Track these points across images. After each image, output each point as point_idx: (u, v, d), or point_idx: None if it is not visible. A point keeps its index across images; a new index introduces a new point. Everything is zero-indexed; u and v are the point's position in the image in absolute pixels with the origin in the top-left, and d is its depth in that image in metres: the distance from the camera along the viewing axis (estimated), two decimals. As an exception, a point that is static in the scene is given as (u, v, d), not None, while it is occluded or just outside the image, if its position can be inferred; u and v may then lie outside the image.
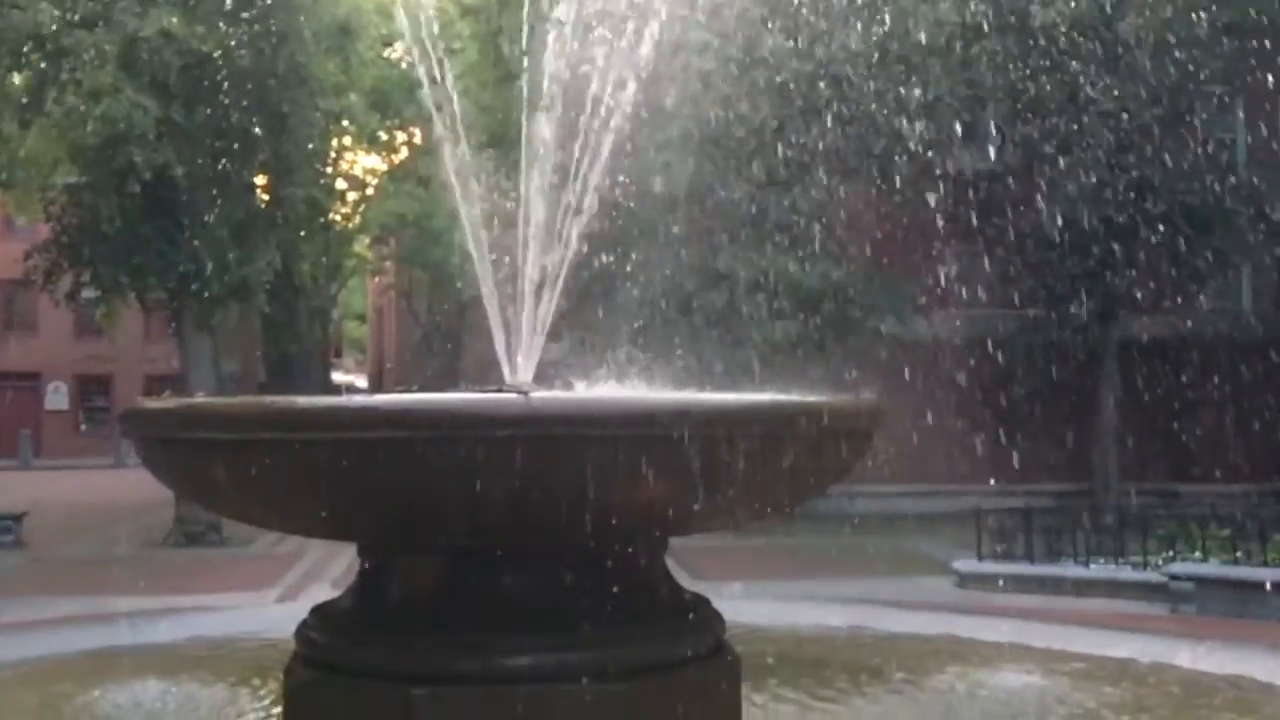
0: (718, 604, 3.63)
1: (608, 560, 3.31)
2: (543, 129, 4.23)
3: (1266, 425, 21.35)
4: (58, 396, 44.52)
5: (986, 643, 5.83)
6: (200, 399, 5.46)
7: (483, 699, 3.17)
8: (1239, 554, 11.48)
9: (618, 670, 3.22)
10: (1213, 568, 11.22)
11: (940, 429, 21.10)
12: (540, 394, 3.33)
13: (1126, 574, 11.95)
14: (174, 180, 16.48)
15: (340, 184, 25.71)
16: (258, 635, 6.14)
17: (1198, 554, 11.77)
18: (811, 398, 3.46)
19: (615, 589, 3.28)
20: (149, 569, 14.28)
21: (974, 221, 20.07)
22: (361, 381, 52.78)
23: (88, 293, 19.53)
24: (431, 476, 2.92)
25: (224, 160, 16.72)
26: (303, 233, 18.82)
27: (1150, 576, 11.61)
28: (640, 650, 3.28)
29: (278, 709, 4.06)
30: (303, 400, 3.26)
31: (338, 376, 52.06)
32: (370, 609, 3.47)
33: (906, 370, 18.85)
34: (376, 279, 47.73)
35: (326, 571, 13.44)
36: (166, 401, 3.81)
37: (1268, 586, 10.05)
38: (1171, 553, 12.14)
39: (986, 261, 21.18)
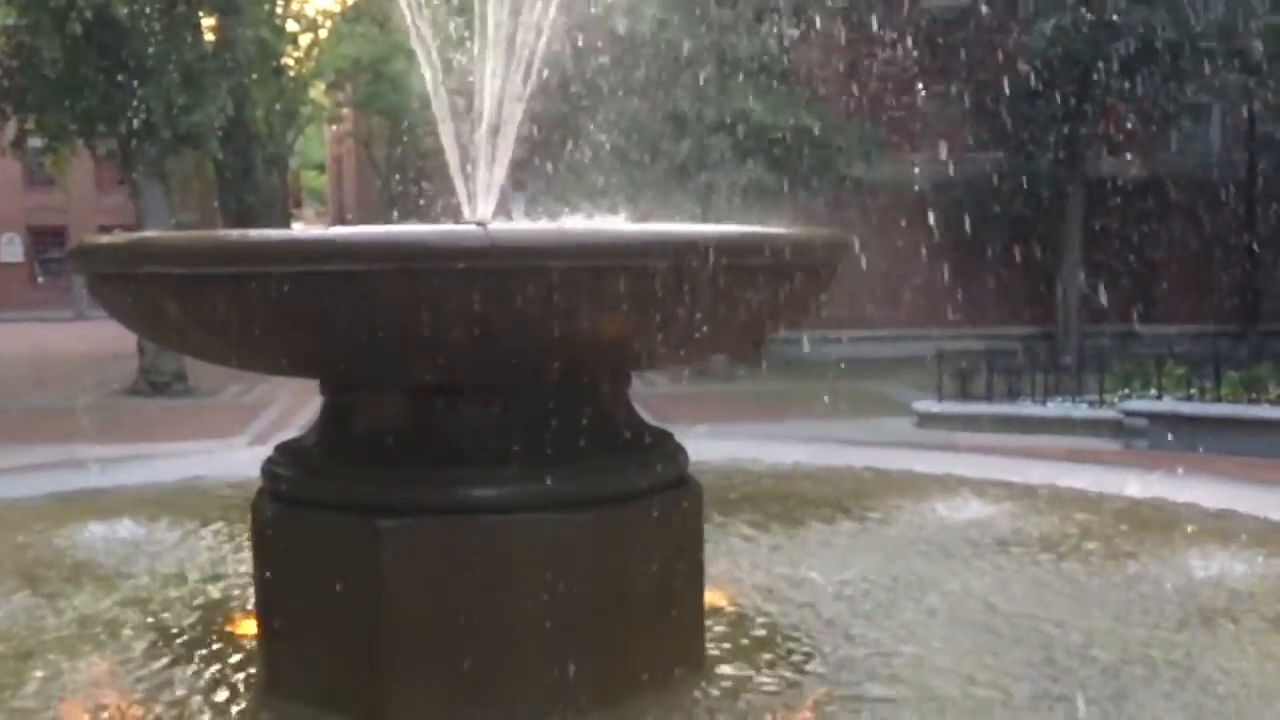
0: (682, 443, 3.67)
1: (570, 393, 3.32)
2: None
3: (1229, 266, 21.60)
4: (11, 249, 43.70)
5: (940, 475, 6.00)
6: (151, 233, 5.33)
7: (448, 529, 3.22)
8: (1193, 391, 11.74)
9: (580, 500, 3.26)
10: (1166, 404, 11.49)
11: (906, 273, 21.23)
12: (499, 226, 3.27)
13: (1082, 411, 12.23)
14: (117, 20, 15.81)
15: (292, 25, 24.75)
16: (227, 479, 6.19)
17: (1153, 391, 12.04)
18: (774, 229, 3.42)
19: (577, 421, 3.30)
20: (116, 418, 14.29)
21: (941, 63, 19.72)
22: (324, 232, 52.03)
23: (34, 141, 18.92)
24: (388, 310, 2.87)
25: (168, -2, 16.02)
26: (254, 76, 18.20)
27: (1105, 413, 11.89)
28: (602, 481, 3.32)
29: (247, 545, 4.12)
30: (255, 233, 3.19)
31: (298, 227, 51.30)
32: (335, 444, 3.47)
33: (872, 214, 18.76)
34: (334, 127, 46.60)
35: (294, 419, 13.49)
36: (117, 237, 3.71)
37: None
38: (1127, 390, 12.42)
39: (953, 103, 20.91)
